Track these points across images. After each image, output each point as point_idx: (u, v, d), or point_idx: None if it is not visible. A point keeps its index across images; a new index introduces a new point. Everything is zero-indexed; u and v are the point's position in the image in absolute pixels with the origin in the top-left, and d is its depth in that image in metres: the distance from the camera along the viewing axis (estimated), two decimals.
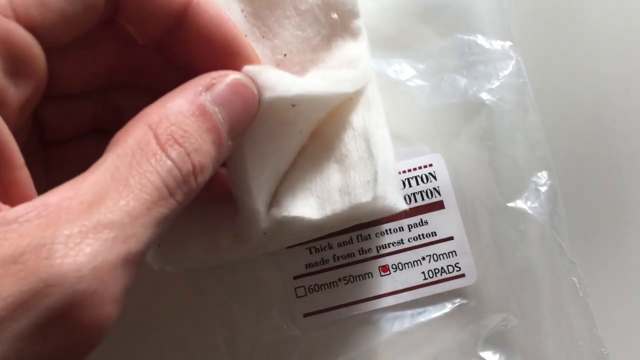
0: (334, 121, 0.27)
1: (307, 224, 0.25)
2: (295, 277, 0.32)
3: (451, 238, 0.32)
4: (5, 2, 0.17)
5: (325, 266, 0.32)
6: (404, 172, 0.32)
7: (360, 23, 0.27)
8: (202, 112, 0.19)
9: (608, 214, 0.33)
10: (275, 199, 0.25)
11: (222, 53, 0.22)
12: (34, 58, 0.18)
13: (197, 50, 0.22)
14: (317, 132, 0.27)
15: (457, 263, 0.32)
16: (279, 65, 0.27)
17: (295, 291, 0.31)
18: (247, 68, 0.21)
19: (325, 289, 0.31)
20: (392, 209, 0.27)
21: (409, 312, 0.31)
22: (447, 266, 0.32)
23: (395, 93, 0.33)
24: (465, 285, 0.31)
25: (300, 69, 0.27)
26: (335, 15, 0.27)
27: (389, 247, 0.32)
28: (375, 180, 0.25)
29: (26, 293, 0.14)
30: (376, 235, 0.32)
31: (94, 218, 0.15)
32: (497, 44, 0.33)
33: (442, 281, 0.31)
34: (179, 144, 0.18)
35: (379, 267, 0.32)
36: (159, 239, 0.26)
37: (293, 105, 0.22)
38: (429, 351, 0.31)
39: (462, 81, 0.33)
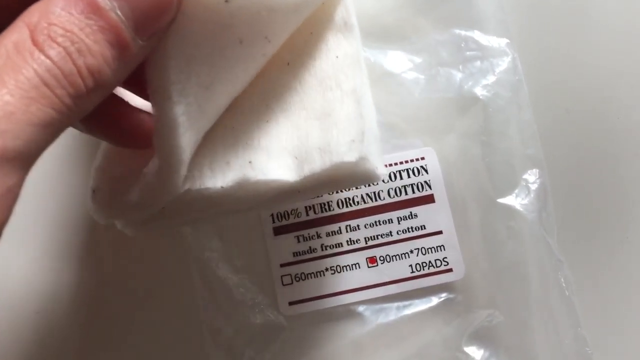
0: (312, 75, 0.25)
1: (281, 186, 0.23)
2: (282, 265, 0.31)
3: (440, 232, 0.32)
4: None
5: (313, 255, 0.31)
6: (395, 164, 0.32)
7: None
8: (94, 9, 0.17)
9: (598, 213, 0.32)
10: (246, 156, 0.23)
11: None
12: None
13: None
14: (290, 85, 0.25)
15: (445, 257, 0.31)
16: None
17: (282, 279, 0.31)
18: None
19: (311, 278, 0.31)
20: (374, 174, 0.24)
21: (394, 304, 0.31)
22: (435, 260, 0.31)
23: (390, 84, 0.33)
24: (452, 280, 0.31)
25: None
26: None
27: (377, 238, 0.32)
28: (362, 140, 0.23)
29: None
30: (365, 226, 0.32)
31: None
32: (494, 41, 0.33)
33: (429, 275, 0.31)
34: (58, 44, 0.16)
35: (366, 259, 0.31)
36: (99, 186, 0.24)
37: (225, 1, 0.19)
38: (414, 344, 0.31)
39: (458, 76, 0.33)
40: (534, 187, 0.31)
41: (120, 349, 0.31)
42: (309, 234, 0.32)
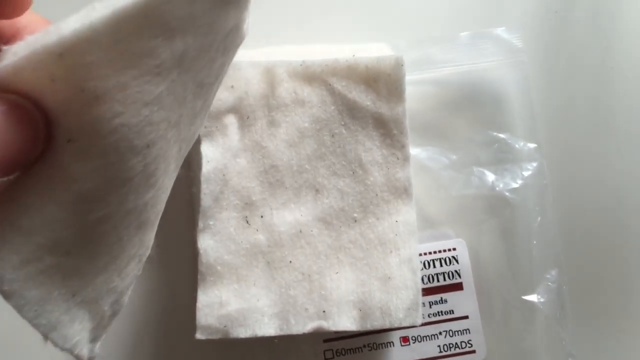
0: (375, 235, 0.31)
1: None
2: (325, 341, 0.35)
3: (466, 317, 0.36)
4: None
5: (353, 332, 0.35)
6: (430, 253, 0.36)
7: None
8: None
9: (613, 312, 0.36)
10: (320, 306, 0.29)
11: None
12: None
13: None
14: (357, 240, 0.31)
15: (470, 340, 0.35)
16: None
17: (324, 354, 0.35)
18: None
19: (351, 353, 0.35)
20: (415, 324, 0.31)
21: None
22: (461, 342, 0.35)
23: (428, 179, 0.36)
24: None
25: None
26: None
27: None
28: (417, 309, 0.30)
29: None
30: None
31: None
32: (524, 145, 0.36)
33: (454, 355, 0.35)
34: None
35: (400, 338, 0.35)
36: None
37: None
38: None
39: (491, 177, 0.36)
40: (553, 286, 0.35)
41: None
42: None
